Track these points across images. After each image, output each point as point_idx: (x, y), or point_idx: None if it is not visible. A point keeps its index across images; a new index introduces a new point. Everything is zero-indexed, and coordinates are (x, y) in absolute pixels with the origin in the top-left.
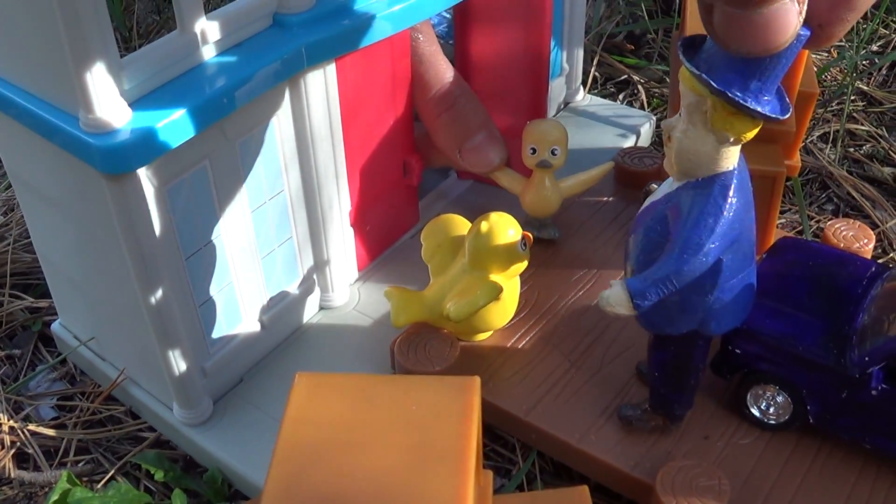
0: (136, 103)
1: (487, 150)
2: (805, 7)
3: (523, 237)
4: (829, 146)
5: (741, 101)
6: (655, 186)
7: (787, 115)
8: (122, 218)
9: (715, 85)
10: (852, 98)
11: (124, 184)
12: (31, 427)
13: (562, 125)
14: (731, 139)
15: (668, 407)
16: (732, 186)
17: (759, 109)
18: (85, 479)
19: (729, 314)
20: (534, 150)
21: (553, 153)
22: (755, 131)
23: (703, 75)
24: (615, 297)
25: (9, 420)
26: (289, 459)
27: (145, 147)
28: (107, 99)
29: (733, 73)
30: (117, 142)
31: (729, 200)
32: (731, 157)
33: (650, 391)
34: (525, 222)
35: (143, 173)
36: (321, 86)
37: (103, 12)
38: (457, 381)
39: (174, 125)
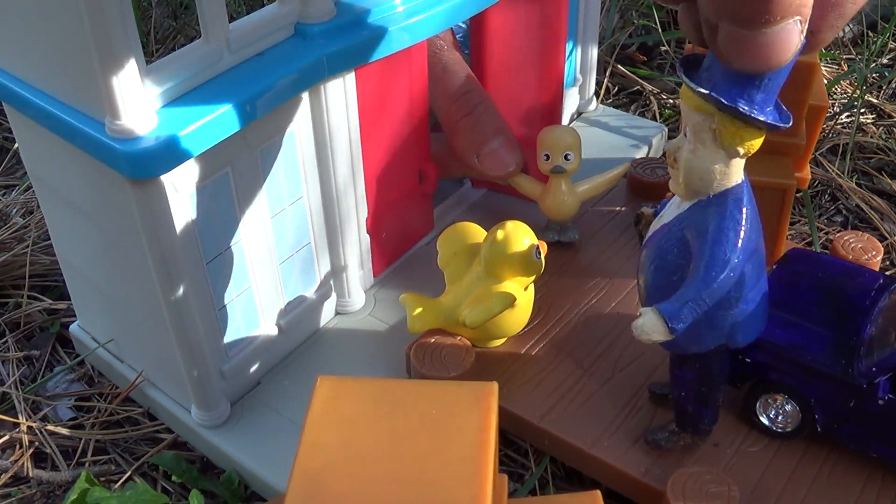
0: (161, 110)
1: (504, 155)
2: (806, 26)
3: (537, 246)
4: (838, 158)
5: (750, 115)
6: (648, 210)
7: (790, 124)
8: (146, 222)
9: (725, 101)
10: (862, 111)
11: (149, 189)
12: (49, 427)
13: (575, 130)
14: (742, 152)
15: (696, 424)
16: (744, 199)
17: (767, 120)
18: (102, 479)
19: (753, 324)
20: (547, 157)
21: (566, 158)
22: (761, 141)
23: (712, 94)
24: (650, 324)
25: (27, 420)
26: (311, 462)
27: (170, 153)
28: (133, 105)
29: (737, 88)
30: (143, 148)
31: (744, 212)
32: (740, 171)
33: (675, 411)
34: (546, 227)
35: (167, 179)
36: (341, 95)
37: (130, 20)
38: (476, 387)
39: (198, 132)
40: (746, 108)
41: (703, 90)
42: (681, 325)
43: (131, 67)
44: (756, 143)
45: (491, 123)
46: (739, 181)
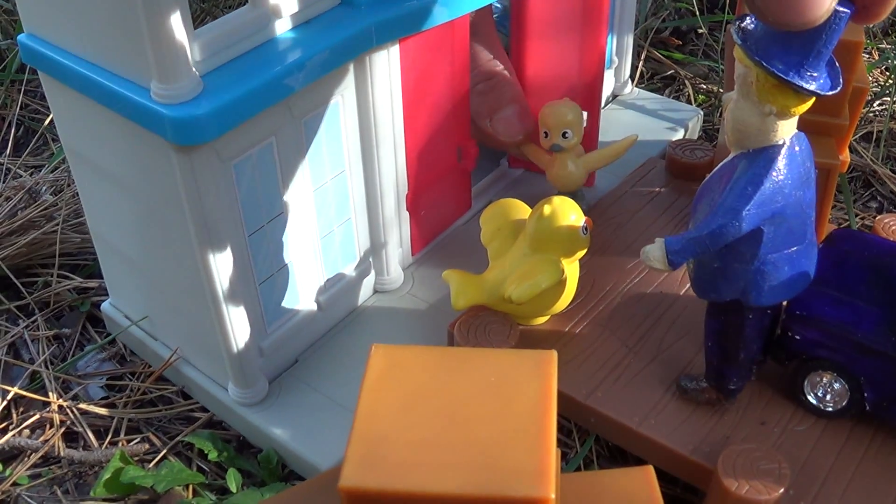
0: (208, 76)
1: (515, 122)
2: None
3: (584, 222)
4: (872, 145)
5: (779, 74)
6: None
7: (833, 92)
8: (190, 191)
9: (755, 56)
10: (894, 99)
11: (193, 156)
12: (81, 406)
13: (576, 107)
14: (775, 111)
15: (722, 380)
16: (777, 160)
17: (797, 83)
18: (136, 458)
19: (771, 288)
20: (546, 134)
21: (564, 136)
22: (803, 107)
23: (745, 44)
24: (653, 252)
25: (58, 399)
26: (368, 429)
27: (217, 119)
28: (180, 69)
29: (776, 47)
30: (189, 113)
31: (771, 173)
32: (780, 131)
33: (705, 363)
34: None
35: (211, 148)
36: (385, 67)
37: None
38: (534, 354)
39: (245, 99)
40: (779, 67)
41: (739, 40)
42: (678, 259)
43: (180, 30)
44: (795, 107)
45: (508, 92)
46: (780, 142)
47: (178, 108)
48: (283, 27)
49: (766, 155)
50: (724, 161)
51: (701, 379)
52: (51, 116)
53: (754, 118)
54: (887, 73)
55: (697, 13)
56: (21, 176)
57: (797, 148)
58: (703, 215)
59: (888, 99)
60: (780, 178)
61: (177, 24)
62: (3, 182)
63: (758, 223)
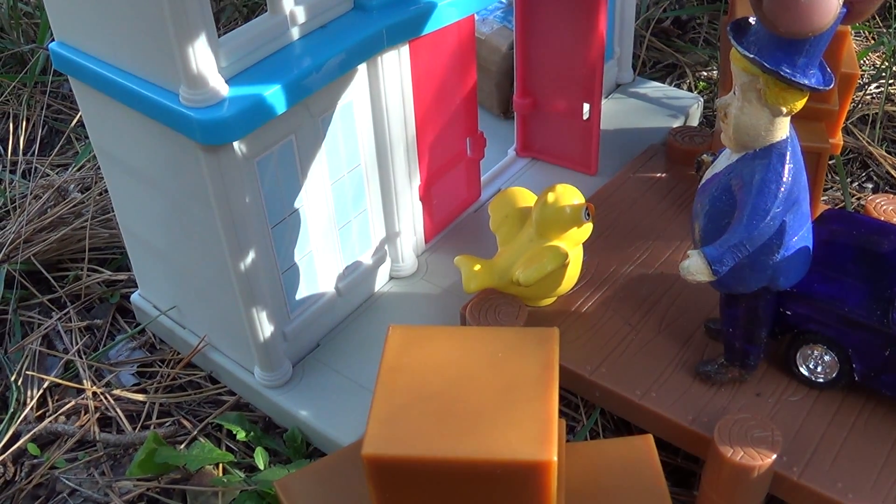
0: (232, 80)
1: None
2: None
3: (586, 207)
4: (868, 127)
5: (792, 78)
6: (707, 157)
7: (832, 85)
8: (217, 188)
9: (767, 65)
10: (890, 82)
11: (220, 155)
12: (115, 392)
13: None
14: (785, 111)
15: (743, 358)
16: (788, 153)
17: (808, 83)
18: (168, 440)
19: (794, 269)
20: None
21: None
22: (804, 101)
23: (756, 57)
24: (695, 266)
25: (92, 386)
26: (387, 403)
27: (243, 120)
28: (207, 75)
29: (781, 52)
30: (217, 115)
31: (787, 166)
32: (784, 127)
33: (724, 346)
34: None
35: (236, 147)
36: (396, 66)
37: None
38: (538, 332)
39: (267, 101)
40: (789, 71)
41: (749, 54)
42: (723, 269)
43: (205, 40)
44: (799, 103)
45: None
46: (785, 137)
47: (206, 111)
48: (300, 32)
49: (777, 151)
50: (728, 164)
51: (718, 360)
52: (76, 117)
53: (763, 121)
54: (883, 57)
55: (696, 3)
56: (49, 175)
57: (794, 139)
58: (711, 218)
59: (885, 82)
60: (794, 168)
61: (203, 33)
62: (32, 181)
63: (784, 216)
